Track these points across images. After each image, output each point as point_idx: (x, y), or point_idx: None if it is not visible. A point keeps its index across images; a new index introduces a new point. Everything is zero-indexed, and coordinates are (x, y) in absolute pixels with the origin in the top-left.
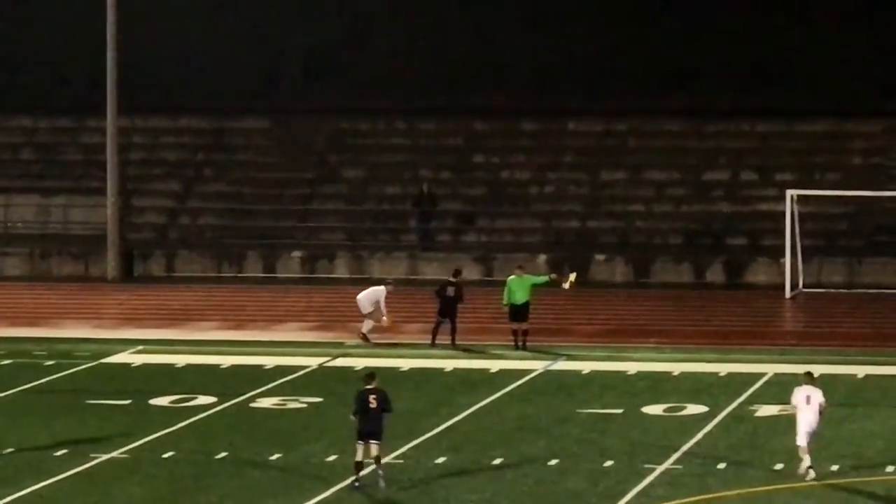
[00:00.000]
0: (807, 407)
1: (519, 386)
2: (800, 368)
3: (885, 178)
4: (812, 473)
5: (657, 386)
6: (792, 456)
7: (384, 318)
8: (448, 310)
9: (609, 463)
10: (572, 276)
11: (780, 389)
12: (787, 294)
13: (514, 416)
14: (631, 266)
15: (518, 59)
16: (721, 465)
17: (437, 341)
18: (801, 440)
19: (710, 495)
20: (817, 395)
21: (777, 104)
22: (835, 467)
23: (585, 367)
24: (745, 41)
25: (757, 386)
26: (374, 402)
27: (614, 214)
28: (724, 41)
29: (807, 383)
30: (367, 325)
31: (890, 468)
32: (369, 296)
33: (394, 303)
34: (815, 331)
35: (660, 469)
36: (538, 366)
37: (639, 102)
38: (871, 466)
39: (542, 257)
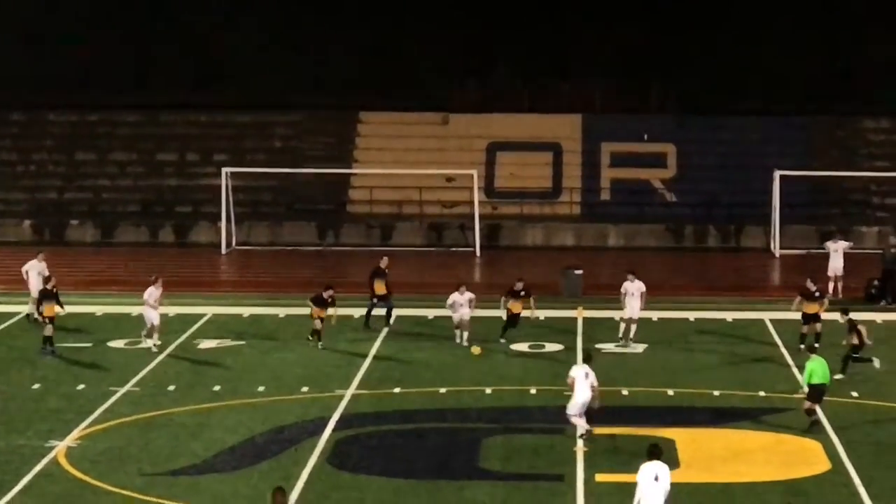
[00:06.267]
0: (584, 382)
1: (6, 326)
2: (233, 310)
3: (301, 158)
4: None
5: (119, 325)
6: (228, 379)
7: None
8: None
9: (82, 386)
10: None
11: (217, 327)
12: (223, 251)
13: (5, 349)
14: (99, 229)
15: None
16: (171, 388)
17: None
18: (573, 410)
19: (163, 411)
20: (593, 374)
21: (207, 100)
22: (261, 388)
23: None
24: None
25: (199, 325)
26: None
27: (85, 188)
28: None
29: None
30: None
31: (304, 388)
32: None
33: None
34: (245, 279)
35: (122, 391)
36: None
37: (105, 98)
38: (290, 388)
39: (27, 223)
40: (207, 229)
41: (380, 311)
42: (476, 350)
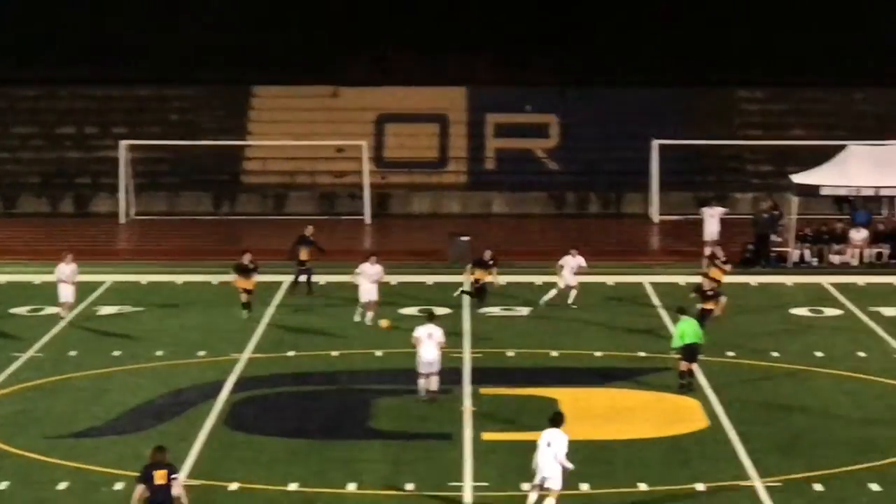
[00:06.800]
0: (429, 341)
1: None
2: (133, 278)
3: (197, 131)
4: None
5: (22, 293)
6: (128, 344)
7: None
8: None
9: None
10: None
11: (117, 294)
12: (122, 220)
13: None
14: (1, 201)
15: None
16: (72, 353)
17: None
18: (421, 369)
19: (65, 376)
20: (437, 333)
21: (103, 75)
22: (160, 352)
23: None
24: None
25: (99, 292)
26: None
27: None
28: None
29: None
30: None
31: (202, 352)
32: None
33: None
34: (144, 248)
35: (25, 357)
36: None
37: (4, 73)
38: (187, 352)
39: None
40: (107, 200)
41: (302, 278)
42: (384, 323)
